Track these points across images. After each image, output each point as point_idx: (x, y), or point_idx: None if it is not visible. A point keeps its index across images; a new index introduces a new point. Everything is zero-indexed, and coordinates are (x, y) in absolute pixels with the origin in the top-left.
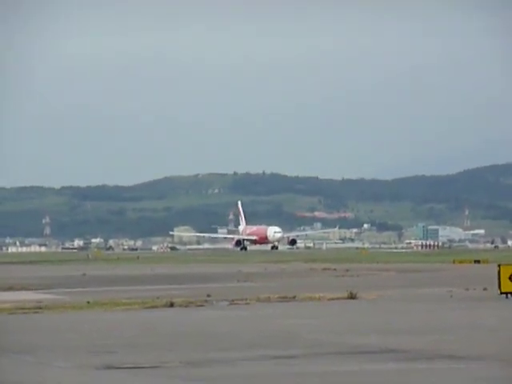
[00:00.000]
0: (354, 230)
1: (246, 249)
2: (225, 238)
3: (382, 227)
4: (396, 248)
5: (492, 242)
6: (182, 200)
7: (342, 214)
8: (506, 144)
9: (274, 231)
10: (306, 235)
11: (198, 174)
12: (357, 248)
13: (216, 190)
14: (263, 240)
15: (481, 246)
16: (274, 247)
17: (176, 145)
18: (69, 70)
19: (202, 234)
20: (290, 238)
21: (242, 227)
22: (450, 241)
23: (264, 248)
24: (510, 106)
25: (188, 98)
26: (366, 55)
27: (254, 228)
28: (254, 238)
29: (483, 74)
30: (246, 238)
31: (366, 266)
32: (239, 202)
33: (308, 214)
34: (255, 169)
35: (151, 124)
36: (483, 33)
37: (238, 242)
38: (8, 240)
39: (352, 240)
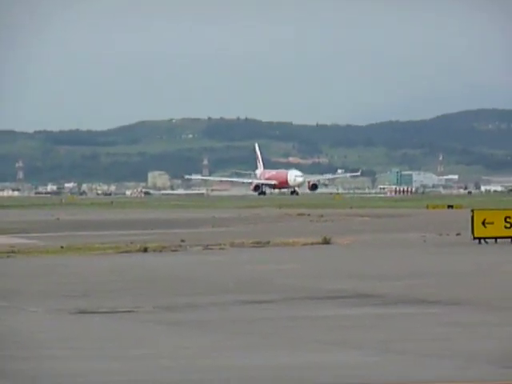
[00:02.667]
0: (328, 176)
1: (264, 193)
2: (243, 182)
3: (355, 172)
4: (370, 193)
5: (465, 188)
6: (155, 145)
7: (316, 160)
8: (480, 89)
9: (294, 175)
10: (328, 180)
11: (171, 119)
12: (330, 193)
13: (190, 135)
14: (283, 184)
15: (454, 191)
16: (295, 192)
17: (150, 89)
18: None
19: (218, 179)
20: (311, 183)
21: (259, 171)
22: (424, 186)
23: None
24: (484, 52)
25: (162, 42)
26: None
27: (273, 172)
28: (273, 182)
29: (459, 20)
30: (264, 182)
31: (340, 211)
32: (256, 145)
33: (282, 160)
34: (229, 114)
35: (125, 67)
36: None
37: (257, 187)
38: None
39: (326, 185)
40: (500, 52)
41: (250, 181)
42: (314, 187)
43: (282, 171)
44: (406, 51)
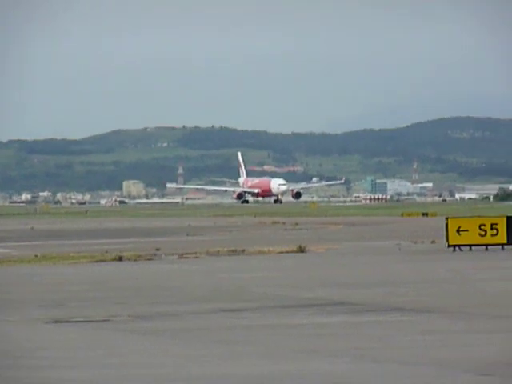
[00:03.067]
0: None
1: (247, 202)
2: (225, 190)
3: (330, 181)
4: (345, 201)
5: (440, 196)
6: (130, 154)
7: (291, 168)
8: (454, 98)
9: (278, 183)
10: (312, 187)
11: (146, 128)
12: (305, 202)
13: (165, 144)
14: (266, 193)
15: (429, 199)
16: (278, 201)
17: (124, 98)
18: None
19: (205, 187)
20: (295, 191)
21: (242, 179)
22: (399, 194)
23: (267, 201)
24: (461, 61)
25: (135, 52)
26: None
27: (256, 180)
28: (256, 190)
29: (433, 29)
30: (247, 190)
31: (315, 219)
32: (239, 154)
33: (257, 168)
34: (204, 123)
35: (99, 76)
36: None
37: (240, 195)
38: None
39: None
40: (475, 61)
41: (232, 189)
42: (297, 195)
43: (264, 179)
44: (382, 60)
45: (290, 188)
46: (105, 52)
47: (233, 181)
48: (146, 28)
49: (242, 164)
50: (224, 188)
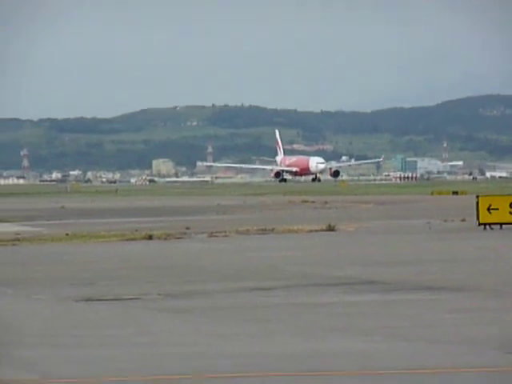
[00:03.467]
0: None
1: (285, 181)
2: (263, 169)
3: (360, 159)
4: (375, 180)
5: (470, 174)
6: (160, 132)
7: (321, 146)
8: (483, 76)
9: (316, 162)
10: (350, 166)
11: (176, 107)
12: (335, 180)
13: (194, 123)
14: (304, 171)
15: (459, 177)
16: (317, 179)
17: (154, 76)
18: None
19: (239, 165)
20: (333, 170)
21: (279, 158)
22: (429, 173)
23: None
24: (486, 41)
25: (165, 31)
26: None
27: (294, 158)
28: (294, 169)
29: (462, 9)
30: (285, 169)
31: (345, 198)
32: (277, 132)
33: (287, 147)
34: (234, 101)
35: (128, 56)
36: None
37: (278, 174)
38: None
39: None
40: (501, 39)
41: (270, 167)
42: (335, 174)
43: (303, 158)
44: (410, 39)
45: (329, 166)
46: (135, 33)
47: (267, 158)
48: (175, 13)
49: (280, 142)
50: (262, 166)
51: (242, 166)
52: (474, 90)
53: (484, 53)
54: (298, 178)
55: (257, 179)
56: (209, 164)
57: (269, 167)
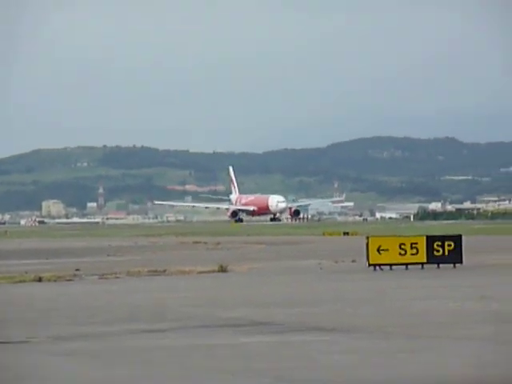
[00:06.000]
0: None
1: (241, 220)
2: (218, 208)
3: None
4: (266, 220)
5: (361, 215)
6: (50, 173)
7: (213, 187)
8: (372, 116)
9: (277, 200)
10: (310, 204)
11: (66, 147)
12: (228, 221)
13: (85, 164)
14: (263, 210)
15: (350, 218)
16: (276, 219)
17: (45, 117)
18: None
19: (197, 205)
20: (293, 209)
21: (234, 196)
22: (320, 213)
23: (264, 219)
24: (380, 81)
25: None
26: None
27: (252, 197)
28: (251, 208)
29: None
30: (242, 208)
31: (237, 238)
32: (230, 168)
33: (178, 188)
34: (125, 142)
35: (16, 95)
36: None
37: (234, 213)
38: None
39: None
40: (395, 81)
41: (225, 206)
42: (296, 213)
43: (261, 196)
44: (302, 82)
45: (288, 206)
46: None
47: (222, 197)
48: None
49: (234, 179)
50: (216, 205)
51: (195, 204)
52: (363, 131)
53: (376, 94)
54: (255, 217)
55: (148, 221)
56: (167, 203)
57: (224, 206)
